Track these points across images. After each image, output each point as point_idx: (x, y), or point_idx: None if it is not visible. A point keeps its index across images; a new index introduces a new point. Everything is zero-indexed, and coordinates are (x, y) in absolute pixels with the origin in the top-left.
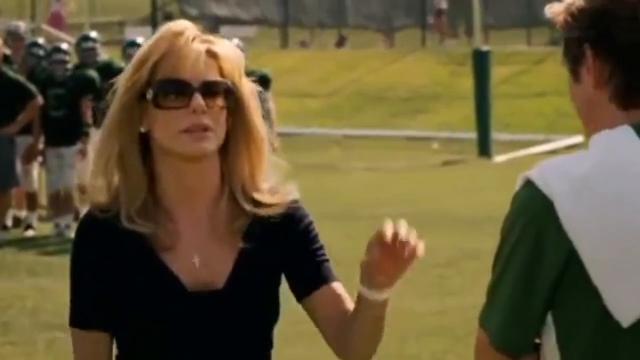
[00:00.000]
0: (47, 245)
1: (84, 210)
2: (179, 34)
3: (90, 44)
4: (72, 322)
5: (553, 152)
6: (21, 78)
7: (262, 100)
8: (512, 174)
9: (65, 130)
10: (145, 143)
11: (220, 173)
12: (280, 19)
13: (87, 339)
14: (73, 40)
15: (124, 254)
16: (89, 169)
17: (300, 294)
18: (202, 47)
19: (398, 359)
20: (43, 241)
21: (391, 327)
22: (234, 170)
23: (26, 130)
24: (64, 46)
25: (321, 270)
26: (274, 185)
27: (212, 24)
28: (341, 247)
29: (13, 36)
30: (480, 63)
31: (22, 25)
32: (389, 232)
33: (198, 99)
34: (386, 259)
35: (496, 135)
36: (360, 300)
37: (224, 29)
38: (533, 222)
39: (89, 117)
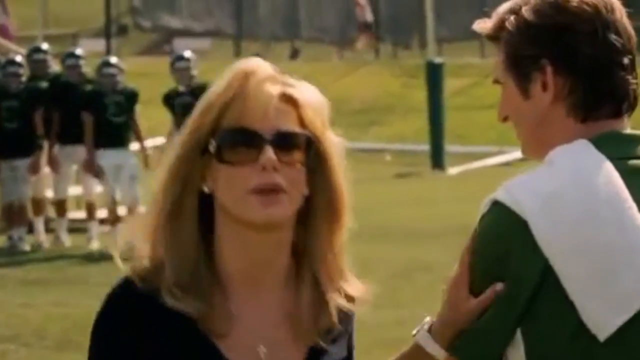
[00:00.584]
0: None
1: (37, 222)
2: (249, 74)
3: (41, 56)
4: None
5: (506, 164)
6: None
7: None
8: (465, 186)
9: (19, 143)
10: (205, 204)
11: (295, 248)
12: (234, 31)
13: None
14: (24, 51)
15: (166, 337)
16: (57, 184)
17: None
18: (276, 90)
19: None
20: None
21: None
22: (314, 246)
23: None
24: (18, 59)
25: None
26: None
27: (166, 36)
28: None
29: None
30: (434, 75)
31: None
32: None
33: (269, 153)
34: None
35: (449, 147)
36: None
37: (177, 41)
38: (506, 241)
39: (40, 129)
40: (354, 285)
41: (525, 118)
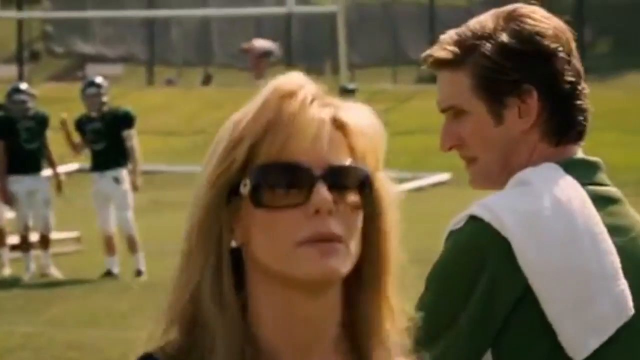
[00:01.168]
0: None
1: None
2: (290, 96)
3: None
4: None
5: (419, 190)
6: None
7: (126, 139)
8: None
9: None
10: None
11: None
12: (147, 57)
13: None
14: None
15: None
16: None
17: None
18: (326, 114)
19: None
20: None
21: None
22: (367, 311)
23: None
24: None
25: None
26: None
27: (79, 62)
28: None
29: None
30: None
31: None
32: None
33: (323, 193)
34: None
35: None
36: None
37: (90, 67)
38: (484, 255)
39: None
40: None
41: (493, 144)
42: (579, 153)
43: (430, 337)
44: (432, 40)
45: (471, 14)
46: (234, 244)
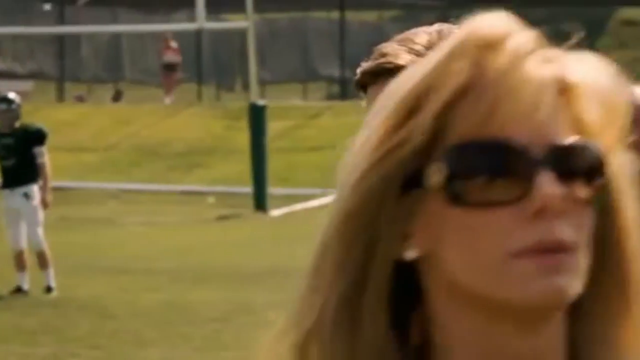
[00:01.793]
0: None
1: None
2: (496, 45)
3: None
4: None
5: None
6: None
7: (37, 155)
8: (288, 228)
9: None
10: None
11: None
12: (57, 73)
13: None
14: None
15: None
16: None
17: None
18: (549, 73)
19: None
20: None
21: None
22: (604, 345)
23: None
24: None
25: None
26: None
27: None
28: (116, 300)
29: None
30: (256, 117)
31: None
32: None
33: (549, 185)
34: None
35: (273, 189)
36: None
37: None
38: None
39: None
40: None
41: None
42: None
43: None
44: (342, 57)
45: (381, 30)
46: (408, 255)
